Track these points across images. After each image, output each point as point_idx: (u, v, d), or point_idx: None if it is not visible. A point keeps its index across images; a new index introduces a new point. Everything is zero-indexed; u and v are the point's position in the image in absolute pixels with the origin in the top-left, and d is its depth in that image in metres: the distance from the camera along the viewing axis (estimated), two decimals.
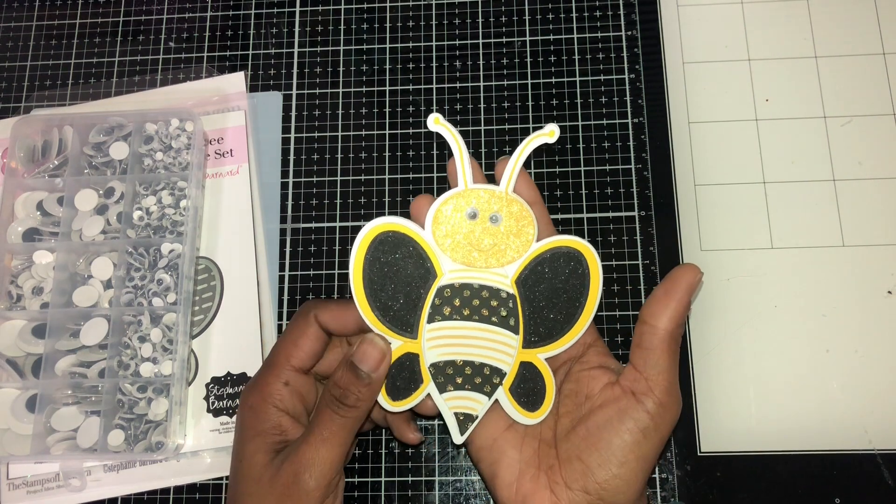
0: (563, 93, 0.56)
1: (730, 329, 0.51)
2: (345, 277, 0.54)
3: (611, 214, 0.54)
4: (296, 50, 0.59)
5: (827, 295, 0.52)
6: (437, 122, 0.44)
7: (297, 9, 0.60)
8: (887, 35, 0.56)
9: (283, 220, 0.56)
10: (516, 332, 0.43)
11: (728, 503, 0.49)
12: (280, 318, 0.54)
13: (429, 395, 0.43)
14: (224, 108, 0.58)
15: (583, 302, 0.43)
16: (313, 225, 0.55)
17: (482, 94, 0.57)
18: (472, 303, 0.43)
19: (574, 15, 0.58)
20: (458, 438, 0.43)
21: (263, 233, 0.55)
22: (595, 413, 0.40)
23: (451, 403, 0.43)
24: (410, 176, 0.56)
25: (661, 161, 0.54)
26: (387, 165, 0.56)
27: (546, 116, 0.56)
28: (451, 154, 0.44)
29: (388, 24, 0.59)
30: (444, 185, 0.55)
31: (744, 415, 0.50)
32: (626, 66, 0.56)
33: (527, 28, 0.58)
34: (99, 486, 0.51)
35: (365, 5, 0.60)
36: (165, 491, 0.51)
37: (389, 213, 0.55)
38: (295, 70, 0.59)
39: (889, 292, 0.51)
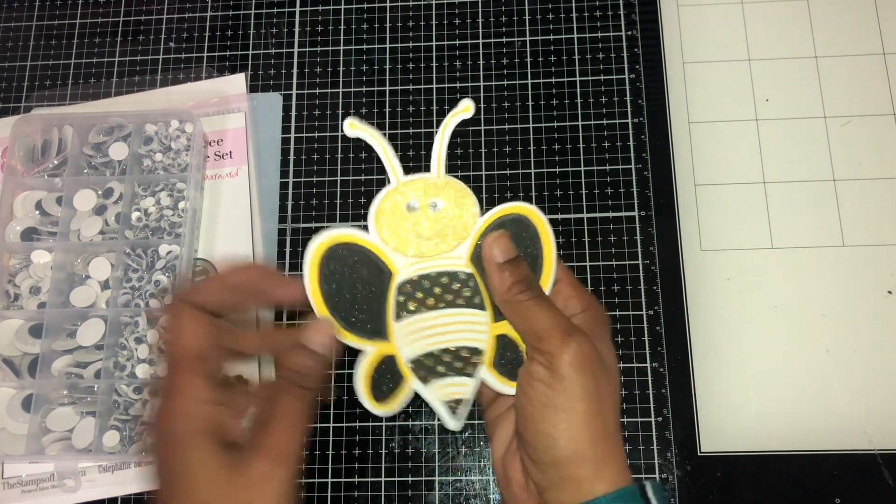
0: (563, 93, 0.56)
1: (730, 329, 0.51)
2: None
3: (611, 214, 0.54)
4: (296, 50, 0.59)
5: (827, 295, 0.52)
6: (352, 127, 0.45)
7: (297, 9, 0.60)
8: (887, 35, 0.56)
9: (282, 220, 0.56)
10: (483, 309, 0.43)
11: (728, 503, 0.48)
12: (278, 318, 0.54)
13: (414, 390, 0.43)
14: (224, 110, 0.58)
15: (539, 262, 0.43)
16: (313, 225, 0.55)
17: (482, 94, 0.57)
18: (433, 291, 0.43)
19: (574, 15, 0.58)
20: (452, 425, 0.43)
21: (262, 234, 0.55)
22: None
23: (438, 393, 0.43)
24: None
25: (661, 161, 0.55)
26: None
27: (546, 116, 0.56)
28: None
29: (388, 24, 0.59)
30: None
31: (744, 415, 0.50)
32: (626, 66, 0.57)
33: (527, 28, 0.58)
34: (93, 486, 0.51)
35: (365, 5, 0.60)
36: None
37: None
38: (295, 70, 0.59)
39: (889, 292, 0.51)
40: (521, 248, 0.43)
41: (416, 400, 0.43)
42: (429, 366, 0.43)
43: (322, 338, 0.41)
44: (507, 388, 0.42)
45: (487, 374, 0.43)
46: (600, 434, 0.38)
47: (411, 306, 0.43)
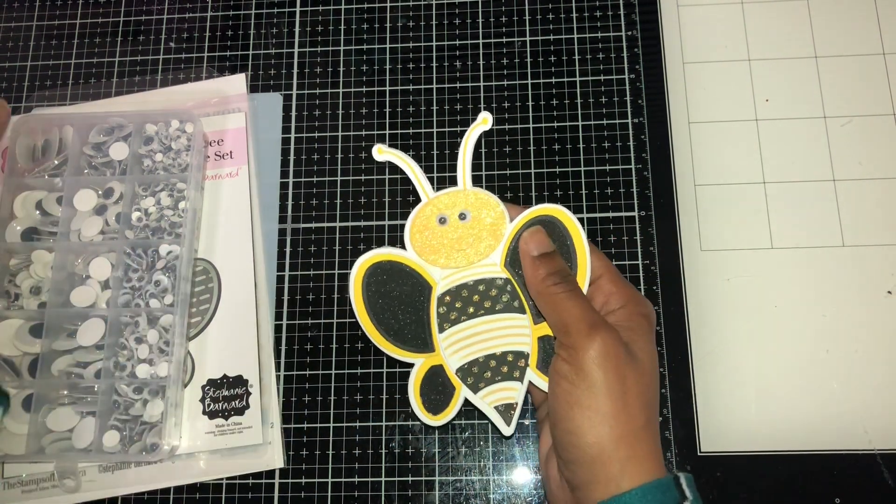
0: (563, 93, 0.56)
1: (730, 329, 0.51)
2: (344, 277, 0.54)
3: (611, 214, 0.54)
4: (296, 50, 0.59)
5: (827, 295, 0.52)
6: (381, 152, 0.47)
7: (297, 9, 0.60)
8: (887, 35, 0.56)
9: (282, 220, 0.56)
10: (524, 312, 0.44)
11: (728, 503, 0.48)
12: (278, 318, 0.54)
13: (466, 398, 0.45)
14: (224, 110, 0.58)
15: (573, 262, 0.44)
16: (313, 225, 0.55)
17: (482, 94, 0.57)
18: (472, 300, 0.44)
19: (574, 15, 0.58)
20: (506, 430, 0.44)
21: (262, 234, 0.55)
22: None
23: (488, 399, 0.44)
24: None
25: (661, 161, 0.55)
26: (387, 165, 0.56)
27: (546, 116, 0.56)
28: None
29: (388, 24, 0.59)
30: (444, 185, 0.55)
31: (744, 415, 0.50)
32: (626, 66, 0.57)
33: (527, 28, 0.58)
34: (93, 486, 0.51)
35: (365, 5, 0.60)
36: (160, 492, 0.51)
37: (389, 214, 0.55)
38: (295, 70, 0.59)
39: (889, 292, 0.51)
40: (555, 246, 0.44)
41: (469, 410, 0.43)
42: (476, 373, 0.44)
43: None
44: None
45: (534, 375, 0.44)
46: (625, 432, 0.38)
47: (453, 316, 0.45)
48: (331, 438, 0.51)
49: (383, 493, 0.50)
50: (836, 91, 0.55)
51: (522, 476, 0.50)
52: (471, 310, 0.45)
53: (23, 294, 0.53)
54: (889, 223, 0.52)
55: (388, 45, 0.59)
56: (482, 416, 0.51)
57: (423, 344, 0.45)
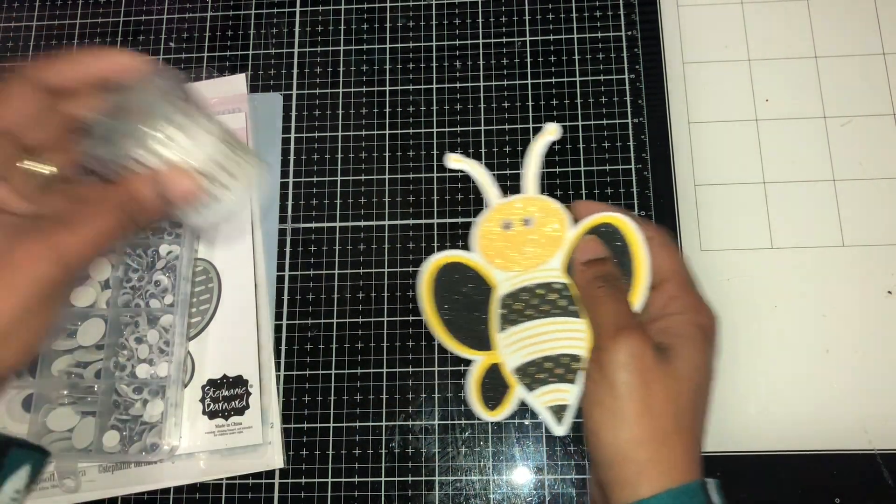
0: (563, 93, 0.56)
1: (730, 329, 0.51)
2: (344, 277, 0.54)
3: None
4: (296, 50, 0.59)
5: (827, 295, 0.52)
6: (456, 161, 0.52)
7: (297, 9, 0.60)
8: (887, 35, 0.56)
9: (282, 220, 0.56)
10: (580, 316, 0.46)
11: (728, 503, 0.48)
12: (278, 318, 0.54)
13: (520, 397, 0.46)
14: (224, 111, 0.58)
15: (630, 269, 0.45)
16: (313, 225, 0.55)
17: (482, 94, 0.57)
18: (532, 303, 0.46)
19: (574, 15, 0.58)
20: (557, 431, 0.46)
21: (263, 234, 0.55)
22: None
23: (542, 399, 0.46)
24: (410, 176, 0.56)
25: (661, 161, 0.55)
26: (387, 165, 0.56)
27: (546, 116, 0.56)
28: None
29: (388, 24, 0.59)
30: (444, 184, 0.55)
31: (744, 415, 0.50)
32: (626, 66, 0.57)
33: (527, 28, 0.58)
34: (93, 486, 0.51)
35: (365, 5, 0.60)
36: (160, 492, 0.51)
37: (390, 214, 0.55)
38: (295, 70, 0.59)
39: (889, 292, 0.51)
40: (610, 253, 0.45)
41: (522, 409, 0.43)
42: (532, 373, 0.46)
43: (180, 188, 0.36)
44: None
45: None
46: (647, 436, 0.38)
47: (513, 317, 0.47)
48: (331, 438, 0.51)
49: (383, 493, 0.50)
50: (836, 91, 0.55)
51: (522, 476, 0.50)
52: (530, 312, 0.46)
53: None
54: (889, 223, 0.52)
55: (388, 45, 0.59)
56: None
57: (483, 342, 0.47)
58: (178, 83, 0.37)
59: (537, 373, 0.46)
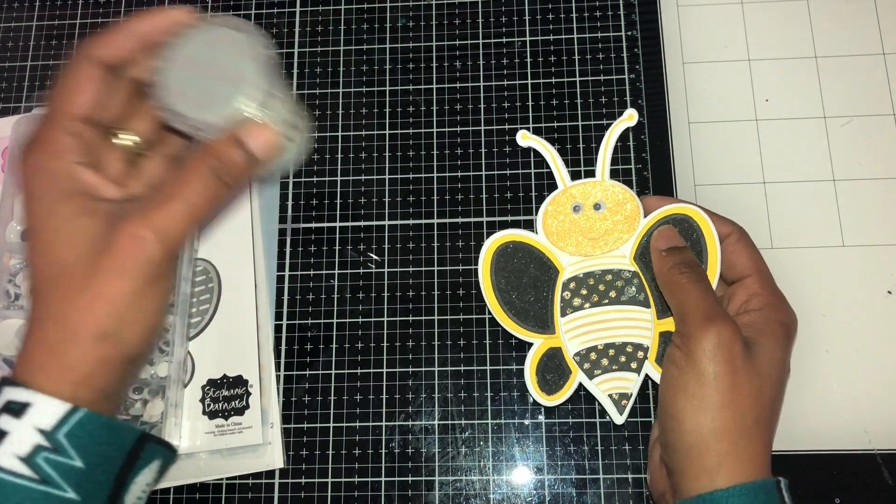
0: (563, 93, 0.56)
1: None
2: (344, 278, 0.54)
3: None
4: (296, 50, 0.59)
5: (827, 295, 0.52)
6: (525, 138, 0.51)
7: (297, 9, 0.60)
8: (887, 35, 0.56)
9: (282, 220, 0.56)
10: (648, 306, 0.45)
11: None
12: (278, 318, 0.54)
13: (580, 383, 0.46)
14: None
15: (704, 261, 0.45)
16: (313, 225, 0.55)
17: (482, 94, 0.57)
18: (598, 288, 0.46)
19: (574, 15, 0.58)
20: (618, 419, 0.46)
21: (263, 234, 0.55)
22: None
23: (603, 387, 0.46)
24: (410, 176, 0.56)
25: (661, 161, 0.54)
26: (387, 165, 0.56)
27: (546, 116, 0.56)
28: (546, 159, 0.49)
29: (388, 24, 0.59)
30: (444, 184, 0.55)
31: None
32: (626, 66, 0.57)
33: (527, 28, 0.58)
34: None
35: (365, 5, 0.60)
36: (160, 492, 0.51)
37: (390, 214, 0.55)
38: (295, 70, 0.59)
39: (889, 292, 0.51)
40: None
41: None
42: (594, 359, 0.45)
43: (263, 141, 0.37)
44: None
45: (652, 368, 0.46)
46: (729, 427, 0.38)
47: (576, 302, 0.46)
48: (331, 438, 0.51)
49: (383, 493, 0.50)
50: (836, 91, 0.55)
51: (522, 476, 0.50)
52: (595, 298, 0.46)
53: (23, 294, 0.53)
54: (889, 223, 0.52)
55: (388, 45, 0.59)
56: (483, 416, 0.51)
57: (544, 325, 0.46)
58: (242, 32, 0.37)
59: (599, 359, 0.46)
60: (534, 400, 0.46)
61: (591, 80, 0.56)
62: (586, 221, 0.47)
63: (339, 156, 0.57)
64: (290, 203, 0.56)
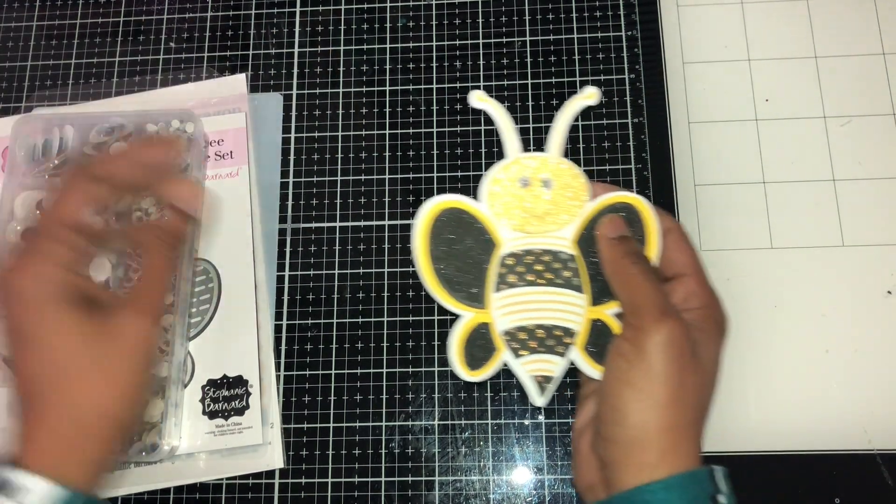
0: (563, 93, 0.56)
1: (729, 329, 0.51)
2: (344, 278, 0.54)
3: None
4: (296, 50, 0.59)
5: (827, 295, 0.52)
6: (480, 100, 0.47)
7: (298, 9, 0.60)
8: (887, 35, 0.56)
9: (282, 220, 0.56)
10: (582, 292, 0.44)
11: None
12: (278, 318, 0.54)
13: (505, 362, 0.44)
14: (224, 110, 0.58)
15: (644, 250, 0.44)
16: (313, 225, 0.55)
17: None
18: (535, 268, 0.44)
19: (574, 15, 0.58)
20: (538, 401, 0.44)
21: (262, 234, 0.55)
22: None
23: (527, 367, 0.44)
24: (410, 176, 0.56)
25: (661, 161, 0.55)
26: (387, 165, 0.56)
27: (546, 116, 0.56)
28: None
29: (388, 24, 0.59)
30: (444, 185, 0.55)
31: (744, 415, 0.50)
32: (626, 66, 0.57)
33: (527, 28, 0.58)
34: None
35: (365, 5, 0.60)
36: (160, 492, 0.51)
37: (389, 214, 0.55)
38: (295, 70, 0.59)
39: (889, 292, 0.51)
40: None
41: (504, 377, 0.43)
42: (522, 339, 0.44)
43: (188, 196, 0.42)
44: (595, 371, 0.43)
45: (578, 355, 0.44)
46: (673, 424, 0.38)
47: (511, 279, 0.44)
48: (331, 438, 0.51)
49: (383, 493, 0.50)
50: (836, 91, 0.55)
51: (522, 476, 0.50)
52: (531, 277, 0.44)
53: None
54: (889, 223, 0.52)
55: (388, 45, 0.59)
56: (483, 416, 0.51)
57: (476, 299, 0.45)
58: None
59: (528, 340, 0.44)
60: (453, 373, 0.45)
61: (591, 79, 0.56)
62: (533, 197, 0.45)
63: (339, 156, 0.57)
64: (290, 203, 0.56)
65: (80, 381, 0.37)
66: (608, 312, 0.44)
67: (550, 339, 0.44)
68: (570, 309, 0.44)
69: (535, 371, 0.44)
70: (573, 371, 0.44)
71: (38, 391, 0.38)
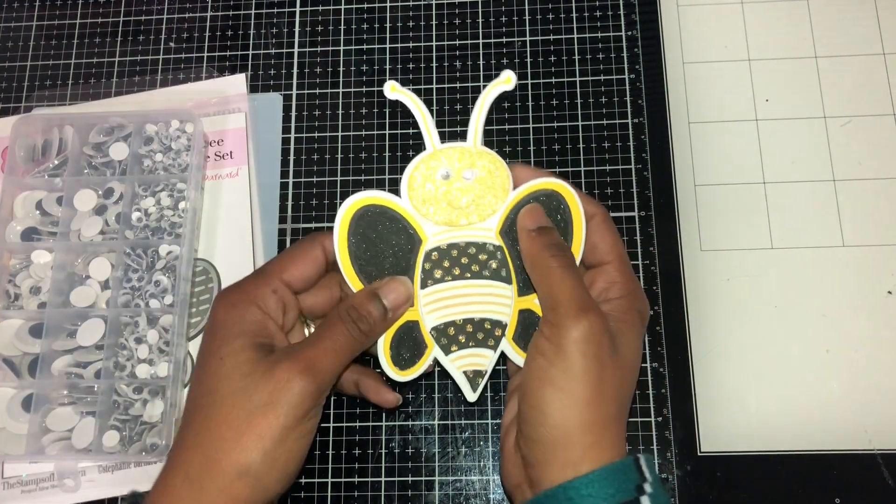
0: (563, 93, 0.56)
1: (730, 329, 0.51)
2: None
3: (611, 214, 0.54)
4: (296, 50, 0.59)
5: (827, 295, 0.52)
6: (393, 90, 0.46)
7: (297, 9, 0.60)
8: (887, 35, 0.56)
9: (282, 220, 0.56)
10: (509, 283, 0.43)
11: (728, 503, 0.48)
12: None
13: (435, 358, 0.44)
14: (224, 110, 0.58)
15: (569, 240, 0.43)
16: (313, 225, 0.55)
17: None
18: (461, 261, 0.44)
19: (574, 15, 0.58)
20: (471, 396, 0.44)
21: (262, 234, 0.55)
22: None
23: (458, 363, 0.44)
24: None
25: (661, 161, 0.55)
26: (387, 165, 0.56)
27: (546, 116, 0.56)
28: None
29: (388, 24, 0.59)
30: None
31: (744, 415, 0.50)
32: (626, 66, 0.57)
33: (527, 28, 0.58)
34: (93, 486, 0.51)
35: (365, 5, 0.60)
36: None
37: None
38: (295, 70, 0.59)
39: (889, 292, 0.51)
40: (552, 223, 0.43)
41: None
42: (451, 334, 0.43)
43: (397, 296, 0.42)
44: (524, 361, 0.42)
45: (508, 346, 0.43)
46: (594, 420, 0.38)
47: (437, 274, 0.44)
48: (331, 438, 0.51)
49: (383, 493, 0.50)
50: (836, 91, 0.55)
51: None
52: (457, 271, 0.44)
53: (23, 294, 0.53)
54: (889, 223, 0.52)
55: (388, 45, 0.59)
56: (483, 416, 0.51)
57: None
58: None
59: (457, 335, 0.43)
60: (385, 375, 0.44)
61: (591, 80, 0.56)
62: (454, 189, 0.44)
63: (339, 156, 0.57)
64: (290, 203, 0.56)
65: (223, 424, 0.38)
66: (537, 302, 0.43)
67: (480, 332, 0.43)
68: (497, 301, 0.43)
69: (466, 366, 0.44)
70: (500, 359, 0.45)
71: (191, 423, 0.40)
